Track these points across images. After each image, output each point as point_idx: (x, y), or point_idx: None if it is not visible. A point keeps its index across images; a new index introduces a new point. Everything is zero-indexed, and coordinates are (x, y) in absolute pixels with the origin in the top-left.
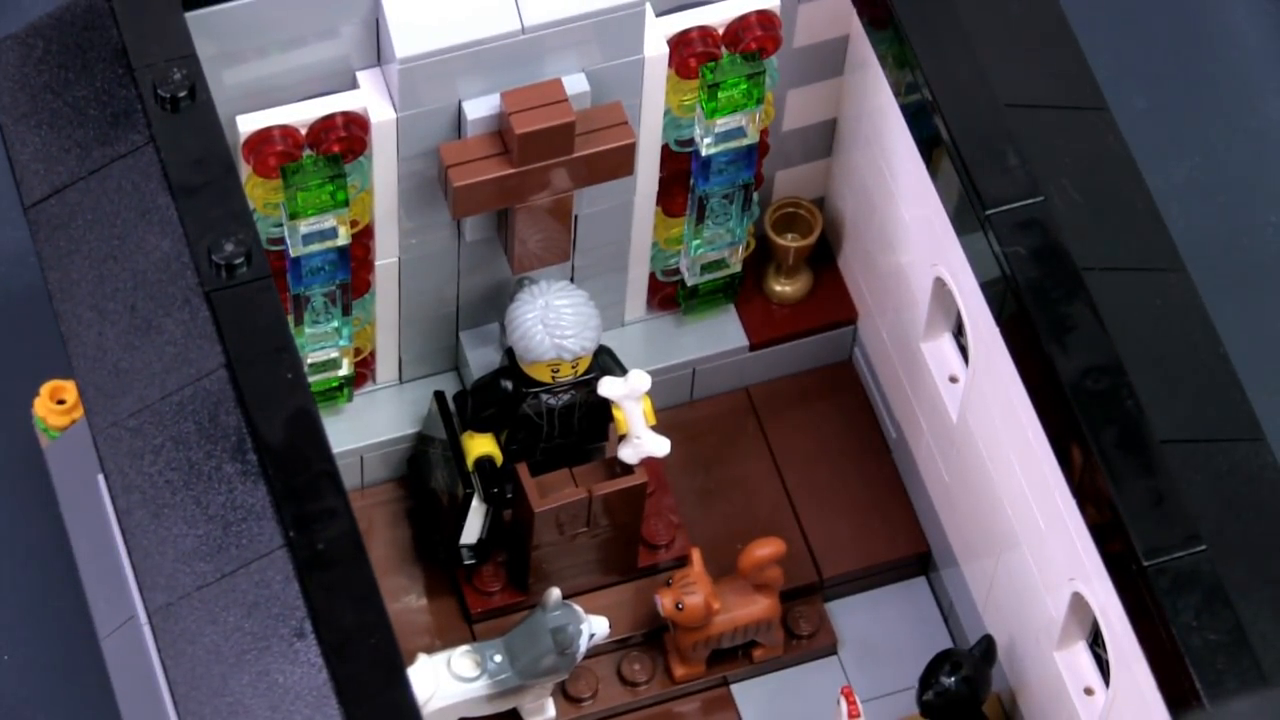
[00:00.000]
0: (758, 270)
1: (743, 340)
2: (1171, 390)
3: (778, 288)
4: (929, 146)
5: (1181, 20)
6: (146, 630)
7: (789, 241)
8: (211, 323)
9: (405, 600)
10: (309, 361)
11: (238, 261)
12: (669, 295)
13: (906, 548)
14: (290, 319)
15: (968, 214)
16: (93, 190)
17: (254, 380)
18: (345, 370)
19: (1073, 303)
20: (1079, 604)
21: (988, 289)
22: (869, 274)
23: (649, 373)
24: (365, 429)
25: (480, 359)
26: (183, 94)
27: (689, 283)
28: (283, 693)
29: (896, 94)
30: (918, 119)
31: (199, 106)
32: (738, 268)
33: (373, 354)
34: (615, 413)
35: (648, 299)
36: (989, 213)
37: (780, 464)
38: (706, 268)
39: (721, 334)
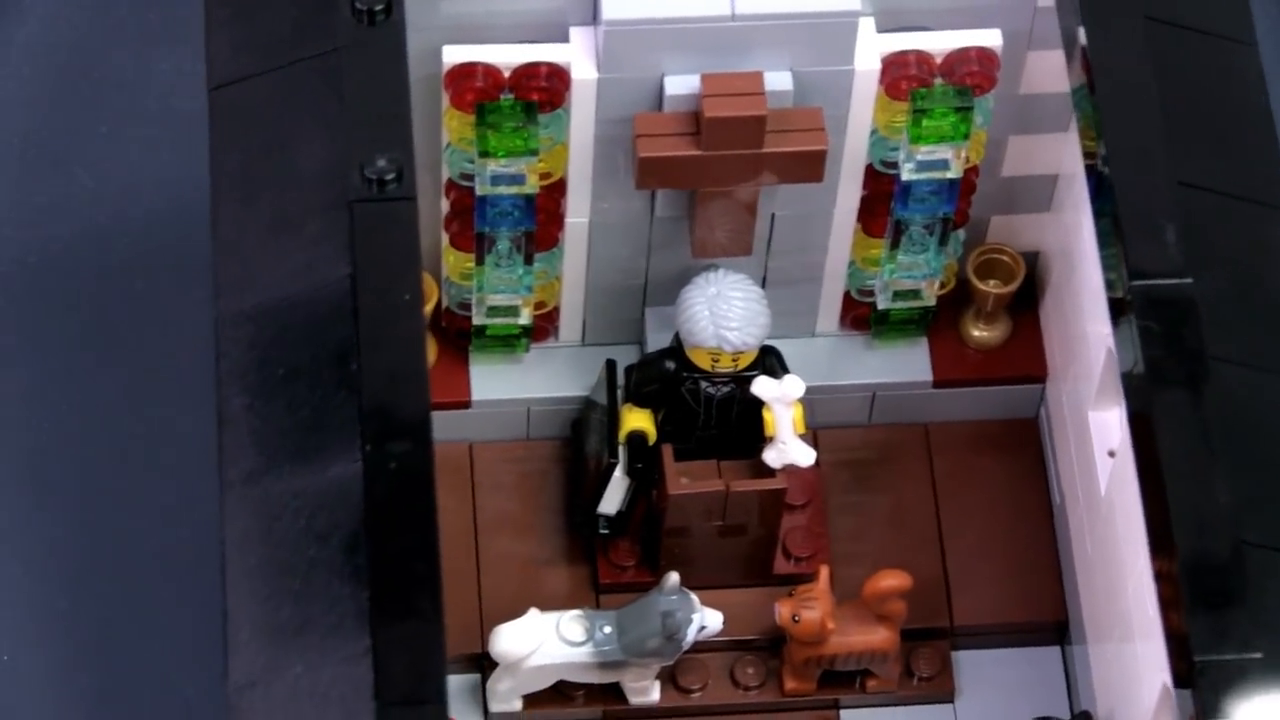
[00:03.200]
0: (957, 311)
1: (927, 375)
2: (1271, 496)
3: (975, 332)
4: (1100, 220)
5: None
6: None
7: (990, 287)
8: (348, 232)
9: (540, 558)
10: (488, 303)
11: (389, 178)
12: (862, 315)
13: (1045, 613)
14: (472, 256)
15: (1118, 285)
16: (274, 85)
17: (371, 295)
18: (524, 320)
19: (1193, 390)
20: (1167, 697)
21: (1123, 367)
22: (1062, 334)
23: (830, 388)
24: (538, 382)
25: (660, 337)
26: (379, 8)
27: (880, 306)
28: (323, 589)
29: (1086, 161)
30: (1098, 190)
31: (392, 25)
32: (931, 301)
33: (557, 310)
34: (765, 414)
35: (841, 315)
36: (1133, 284)
37: (940, 504)
38: (899, 295)
39: (908, 364)
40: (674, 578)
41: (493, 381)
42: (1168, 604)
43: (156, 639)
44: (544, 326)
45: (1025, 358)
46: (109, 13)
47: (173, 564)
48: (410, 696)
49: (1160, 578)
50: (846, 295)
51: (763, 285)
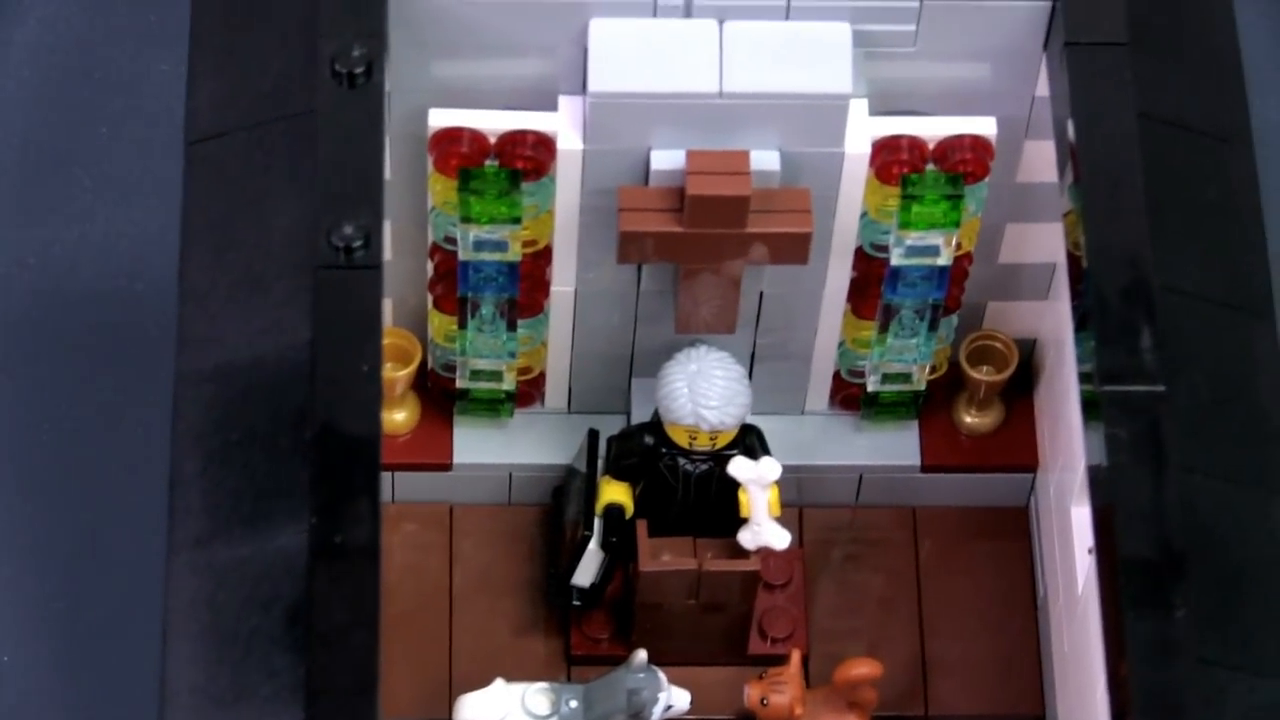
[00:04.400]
0: (950, 395)
1: (917, 458)
2: (1230, 612)
3: (967, 418)
4: (1079, 314)
5: None
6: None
7: (982, 374)
8: (312, 297)
9: (515, 625)
10: (472, 367)
11: (355, 245)
12: (852, 396)
13: (1021, 707)
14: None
15: (1090, 390)
16: (250, 142)
17: (329, 363)
18: (508, 385)
19: (1156, 500)
20: None
21: (1090, 468)
22: (1053, 424)
23: (818, 467)
24: (521, 448)
25: (645, 409)
26: (359, 71)
27: (870, 389)
28: (261, 660)
29: (1070, 253)
30: (1078, 284)
31: (372, 89)
32: (921, 385)
33: (542, 376)
34: (740, 495)
35: (830, 395)
36: (1103, 389)
37: (924, 590)
38: (889, 378)
39: (897, 447)
40: (641, 655)
41: (476, 445)
42: (1120, 713)
43: (156, 639)
44: (529, 392)
45: (1017, 446)
46: (109, 13)
47: None
48: None
49: (1115, 684)
50: (836, 375)
51: (751, 361)
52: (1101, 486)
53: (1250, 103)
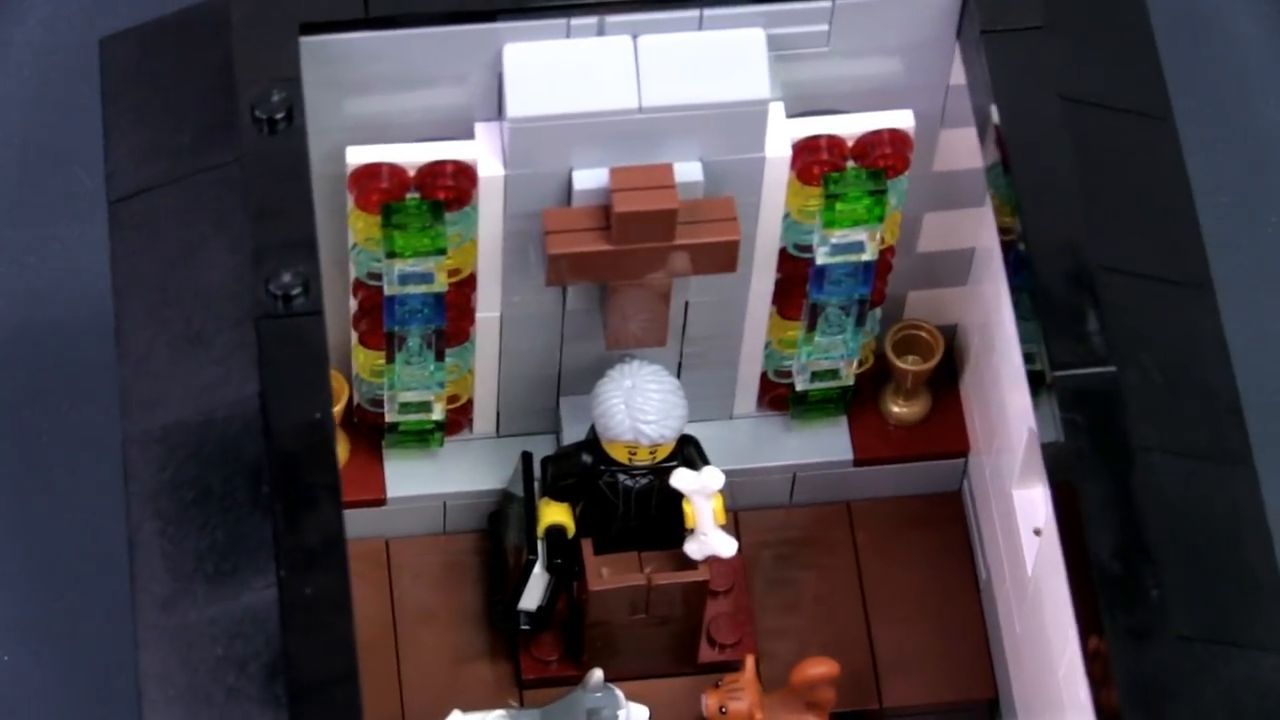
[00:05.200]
0: (876, 387)
1: (848, 454)
2: (1203, 587)
3: (894, 409)
4: (1018, 296)
5: (1181, 20)
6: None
7: (908, 364)
8: (255, 349)
9: (462, 654)
10: (400, 400)
11: (294, 293)
12: (780, 396)
13: (975, 691)
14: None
15: (1040, 373)
16: (176, 196)
17: (282, 414)
18: (438, 415)
19: (1119, 482)
20: None
21: (1046, 452)
22: (983, 409)
23: (750, 470)
24: (453, 477)
25: (576, 428)
26: (279, 116)
27: (798, 388)
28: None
29: (1002, 238)
30: (1016, 267)
31: (293, 132)
32: (850, 381)
33: (470, 402)
34: (685, 506)
35: (758, 397)
36: (1056, 374)
37: (865, 584)
38: (817, 376)
39: (828, 444)
40: (598, 674)
41: (407, 477)
42: (1098, 683)
43: None
44: (458, 420)
45: (946, 433)
46: (109, 13)
47: None
48: None
49: (1091, 658)
50: (764, 377)
51: (678, 371)
52: (1061, 471)
53: (1250, 102)
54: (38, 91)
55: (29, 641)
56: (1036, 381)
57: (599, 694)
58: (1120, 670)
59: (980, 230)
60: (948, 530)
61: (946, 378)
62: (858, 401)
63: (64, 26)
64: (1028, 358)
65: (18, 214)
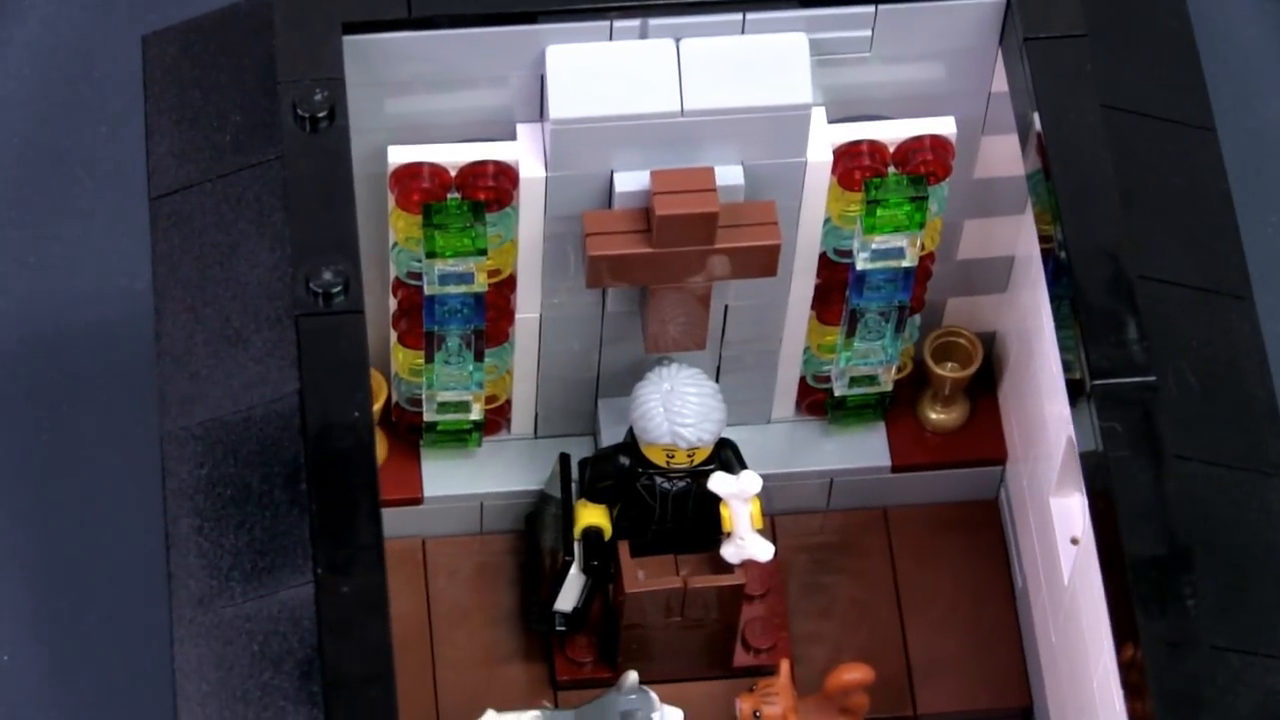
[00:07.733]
0: (915, 394)
1: (886, 460)
2: (1239, 597)
3: (932, 415)
4: (1058, 304)
5: None
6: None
7: (946, 371)
8: (295, 347)
9: (496, 654)
10: (438, 400)
11: (334, 290)
12: (818, 401)
13: (1009, 699)
14: (422, 354)
15: (1079, 381)
16: (217, 194)
17: (320, 413)
18: (476, 415)
19: (1157, 491)
20: None
21: (1084, 460)
22: (1021, 416)
23: (788, 475)
24: (491, 477)
25: (614, 430)
26: (321, 114)
27: (836, 393)
28: (276, 717)
29: (1042, 246)
30: (1056, 275)
31: (335, 131)
32: (888, 386)
33: (509, 403)
34: (722, 510)
35: (797, 401)
36: (1094, 383)
37: (901, 590)
38: (855, 381)
39: (865, 449)
40: (633, 676)
41: (445, 477)
42: (1133, 692)
43: (156, 639)
44: (496, 420)
45: (984, 440)
46: (109, 13)
47: None
48: None
49: (1125, 667)
50: (802, 382)
51: (717, 374)
52: (1099, 480)
53: (1250, 102)
54: (38, 91)
55: (29, 641)
56: (1075, 390)
57: (633, 696)
58: (1155, 679)
59: (1020, 237)
60: (984, 537)
61: (985, 385)
62: (896, 407)
63: (64, 26)
64: (1066, 366)
65: (18, 214)
